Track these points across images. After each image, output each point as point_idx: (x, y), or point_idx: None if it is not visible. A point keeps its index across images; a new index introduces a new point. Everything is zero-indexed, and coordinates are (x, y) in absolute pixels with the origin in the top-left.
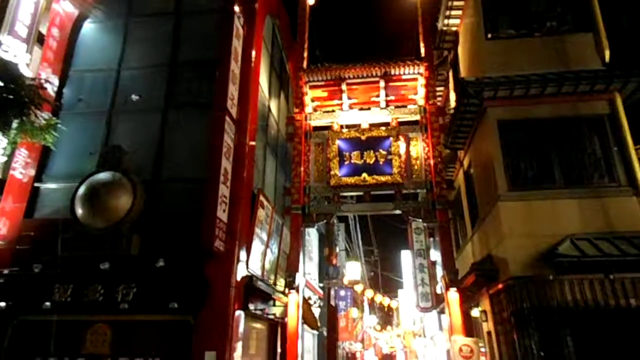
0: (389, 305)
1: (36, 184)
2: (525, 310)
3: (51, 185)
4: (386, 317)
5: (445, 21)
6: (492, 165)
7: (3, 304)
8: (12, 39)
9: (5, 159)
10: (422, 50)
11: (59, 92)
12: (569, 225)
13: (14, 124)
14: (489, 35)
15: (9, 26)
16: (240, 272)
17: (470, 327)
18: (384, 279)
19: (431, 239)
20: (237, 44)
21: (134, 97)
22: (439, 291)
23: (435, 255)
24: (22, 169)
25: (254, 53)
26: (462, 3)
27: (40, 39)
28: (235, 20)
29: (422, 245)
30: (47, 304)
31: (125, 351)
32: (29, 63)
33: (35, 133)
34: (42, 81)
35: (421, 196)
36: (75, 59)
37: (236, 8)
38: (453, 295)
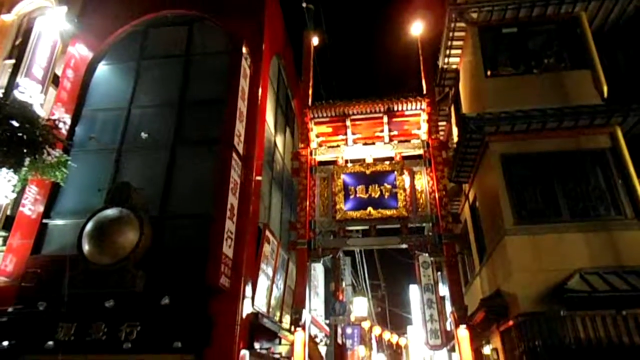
0: (397, 343)
1: (44, 220)
2: (537, 348)
3: (59, 222)
4: (395, 355)
5: (446, 60)
6: (497, 199)
7: (6, 343)
8: (29, 80)
9: (15, 195)
10: (424, 87)
11: (71, 131)
12: (577, 259)
13: (26, 162)
14: (489, 73)
15: (26, 69)
16: (246, 309)
17: None
18: (392, 314)
19: (439, 273)
20: (244, 83)
21: (144, 135)
22: (448, 328)
23: (444, 290)
24: (31, 206)
25: (260, 92)
26: (461, 43)
27: (55, 80)
28: (243, 61)
29: (430, 280)
30: (50, 343)
31: None
32: (43, 103)
33: (46, 170)
34: (56, 121)
35: (427, 230)
36: (88, 98)
37: (244, 49)
38: (463, 333)
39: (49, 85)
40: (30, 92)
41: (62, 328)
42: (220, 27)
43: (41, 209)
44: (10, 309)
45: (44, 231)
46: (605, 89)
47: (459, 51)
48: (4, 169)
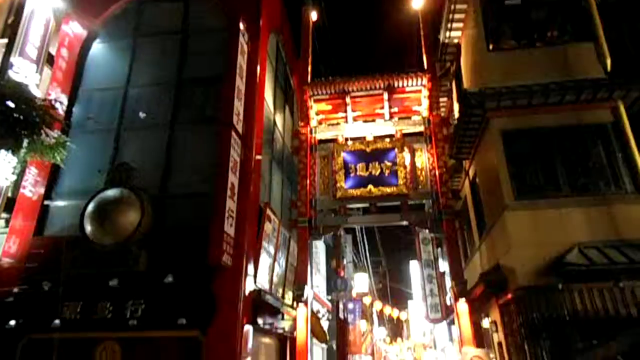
0: (398, 317)
1: (45, 202)
2: (535, 320)
3: (60, 203)
4: (396, 329)
5: (447, 33)
6: (497, 175)
7: (13, 322)
8: (23, 60)
9: (15, 177)
10: (425, 63)
11: (69, 111)
12: (577, 234)
13: (24, 143)
14: (491, 47)
15: (19, 48)
16: (249, 286)
17: (481, 338)
18: (393, 290)
19: (439, 249)
20: (242, 61)
21: (142, 114)
22: (448, 302)
23: (444, 265)
24: (31, 187)
25: (258, 69)
26: (463, 16)
27: (50, 60)
28: (240, 38)
29: (430, 256)
30: (57, 321)
31: None
32: (38, 83)
33: (45, 151)
34: (53, 101)
35: (427, 207)
36: (84, 78)
37: (241, 25)
38: (462, 306)
39: (43, 64)
40: (25, 72)
41: (67, 307)
42: (217, 3)
43: (42, 190)
44: (15, 289)
45: (45, 212)
46: (608, 62)
47: (460, 24)
48: (3, 151)
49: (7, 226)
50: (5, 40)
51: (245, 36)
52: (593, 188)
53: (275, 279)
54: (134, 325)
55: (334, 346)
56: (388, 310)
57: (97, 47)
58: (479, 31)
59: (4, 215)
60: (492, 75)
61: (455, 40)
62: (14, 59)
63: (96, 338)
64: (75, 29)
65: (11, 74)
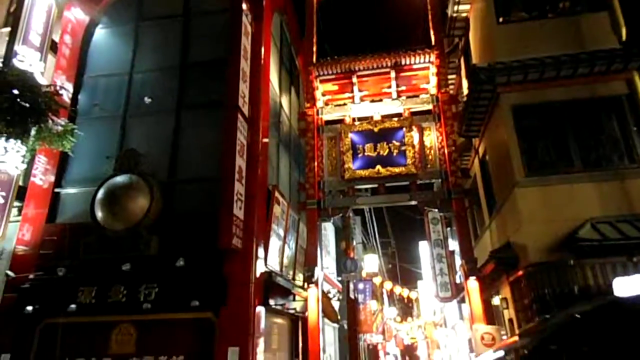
0: (408, 297)
1: (56, 190)
2: (546, 296)
3: (71, 190)
4: (406, 308)
5: (455, 7)
6: (507, 151)
7: (30, 307)
8: (27, 48)
9: (25, 166)
10: (433, 39)
11: (74, 99)
12: (589, 209)
13: (32, 131)
14: (500, 19)
15: (23, 36)
16: (259, 268)
17: (491, 315)
18: (403, 270)
19: (448, 228)
20: (246, 42)
21: (147, 99)
22: (458, 281)
23: (454, 244)
24: (42, 176)
25: (263, 50)
26: None
27: (53, 47)
28: (244, 18)
29: (440, 236)
30: (73, 306)
31: (150, 350)
32: (43, 71)
33: (53, 139)
34: (57, 88)
35: (436, 186)
36: (88, 64)
37: (244, 6)
38: (473, 284)
39: (47, 52)
40: (29, 60)
41: (82, 292)
42: None
43: (52, 178)
44: (31, 276)
45: (57, 200)
46: (624, 31)
47: None
48: (12, 140)
49: (19, 214)
50: (8, 29)
51: (249, 17)
52: (606, 162)
53: (285, 261)
54: (148, 308)
55: (345, 325)
56: (398, 289)
57: (100, 33)
58: (488, 4)
59: (17, 203)
60: (502, 49)
61: (464, 14)
62: (18, 47)
63: (112, 321)
64: (77, 15)
65: (15, 62)
